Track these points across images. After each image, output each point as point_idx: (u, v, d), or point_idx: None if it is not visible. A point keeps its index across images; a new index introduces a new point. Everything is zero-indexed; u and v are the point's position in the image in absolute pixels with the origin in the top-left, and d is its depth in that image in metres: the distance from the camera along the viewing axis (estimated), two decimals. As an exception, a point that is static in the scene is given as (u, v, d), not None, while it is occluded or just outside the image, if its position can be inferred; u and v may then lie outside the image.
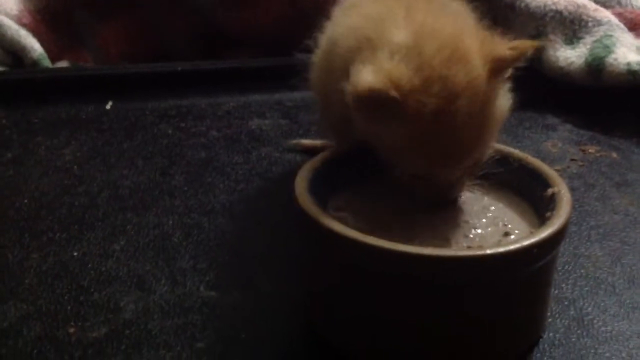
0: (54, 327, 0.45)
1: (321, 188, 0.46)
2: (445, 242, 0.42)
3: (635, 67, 0.70)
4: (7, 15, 0.84)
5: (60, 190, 0.60)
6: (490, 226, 0.44)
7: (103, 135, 0.70)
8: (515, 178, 0.46)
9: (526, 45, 0.42)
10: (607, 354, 0.43)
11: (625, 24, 0.78)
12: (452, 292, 0.39)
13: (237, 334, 0.45)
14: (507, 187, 0.47)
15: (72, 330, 0.44)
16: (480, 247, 0.40)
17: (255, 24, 0.89)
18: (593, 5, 0.78)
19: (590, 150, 0.67)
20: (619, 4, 0.84)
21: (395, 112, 0.40)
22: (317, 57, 0.53)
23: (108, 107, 0.76)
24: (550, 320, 0.45)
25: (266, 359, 0.43)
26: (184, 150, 0.67)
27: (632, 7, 0.84)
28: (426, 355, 0.41)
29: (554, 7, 0.78)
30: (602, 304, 0.47)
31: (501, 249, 0.38)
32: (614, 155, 0.66)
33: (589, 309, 0.46)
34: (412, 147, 0.42)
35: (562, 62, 0.74)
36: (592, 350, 0.43)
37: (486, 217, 0.45)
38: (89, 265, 0.51)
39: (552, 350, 0.43)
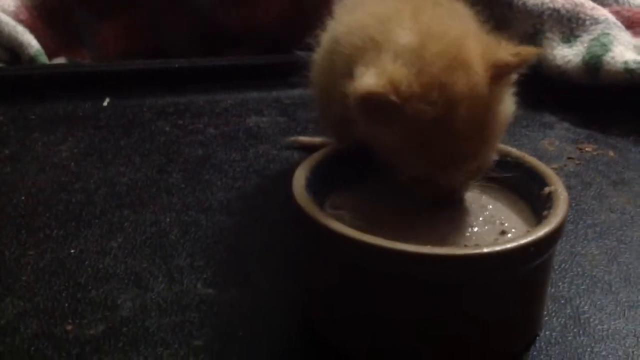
0: (51, 324, 0.45)
1: (319, 186, 0.46)
2: (443, 240, 0.42)
3: (633, 66, 0.70)
4: (4, 11, 0.84)
5: (57, 187, 0.60)
6: (487, 225, 0.44)
7: (100, 132, 0.70)
8: (513, 177, 0.46)
9: (529, 51, 0.42)
10: (604, 353, 0.43)
11: (622, 22, 0.78)
12: (449, 291, 0.39)
13: (234, 331, 0.45)
14: (504, 186, 0.47)
15: (69, 327, 0.45)
16: (477, 246, 0.40)
17: (255, 23, 0.89)
18: (590, 4, 0.78)
19: (587, 149, 0.67)
20: (616, 2, 0.84)
21: (395, 115, 0.40)
22: (318, 55, 0.53)
23: (105, 104, 0.76)
24: (546, 318, 0.45)
25: (264, 357, 0.43)
26: (182, 148, 0.67)
27: (630, 5, 0.84)
28: (423, 353, 0.41)
29: (551, 5, 0.78)
30: (599, 303, 0.47)
31: (498, 248, 0.39)
32: (611, 153, 0.66)
33: (586, 307, 0.47)
34: (411, 151, 0.42)
35: (559, 61, 0.74)
36: (589, 349, 0.43)
37: (483, 216, 0.45)
38: (86, 263, 0.51)
39: (548, 348, 0.43)
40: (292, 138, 0.67)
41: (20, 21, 0.85)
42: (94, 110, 0.75)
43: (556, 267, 0.50)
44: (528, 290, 0.42)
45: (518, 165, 0.47)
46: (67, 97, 0.76)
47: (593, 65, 0.72)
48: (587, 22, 0.76)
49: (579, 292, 0.48)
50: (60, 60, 0.86)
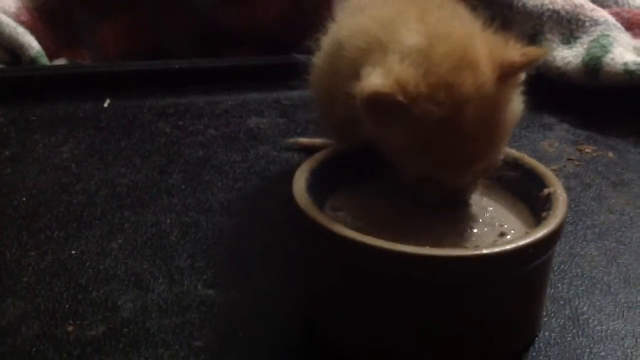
0: (52, 326, 0.45)
1: (319, 187, 0.46)
2: (442, 241, 0.42)
3: (632, 67, 0.70)
4: (5, 12, 0.84)
5: (58, 188, 0.60)
6: (487, 226, 0.44)
7: (101, 133, 0.70)
8: (512, 178, 0.46)
9: (537, 51, 0.42)
10: (602, 353, 0.43)
11: (622, 24, 0.79)
12: (448, 292, 0.39)
13: (234, 332, 0.45)
14: (504, 187, 0.47)
15: (70, 328, 0.45)
16: (476, 247, 0.40)
17: (255, 23, 0.89)
18: (590, 5, 0.78)
19: (586, 150, 0.67)
20: (616, 3, 0.84)
21: (402, 115, 0.40)
22: (319, 59, 0.53)
23: (106, 105, 0.76)
24: (545, 319, 0.45)
25: (264, 358, 0.43)
26: (182, 149, 0.67)
27: (629, 6, 0.84)
28: (423, 354, 0.41)
29: (551, 7, 0.78)
30: (598, 304, 0.47)
31: (497, 249, 0.39)
32: (611, 154, 0.66)
33: (585, 308, 0.47)
34: (418, 151, 0.42)
35: (559, 62, 0.75)
36: (587, 350, 0.43)
37: (483, 217, 0.45)
38: (87, 264, 0.51)
39: (547, 349, 0.43)
40: (292, 139, 0.67)
41: (21, 22, 0.85)
42: (95, 111, 0.75)
43: (555, 268, 0.50)
44: (527, 291, 0.42)
45: (517, 167, 0.47)
46: (67, 98, 0.76)
47: (593, 67, 0.72)
48: (587, 24, 0.76)
49: (578, 293, 0.48)
50: (61, 61, 0.87)
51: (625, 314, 0.46)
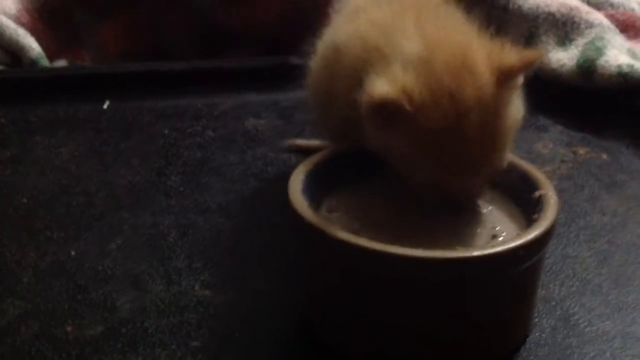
0: (51, 326, 0.46)
1: (315, 189, 0.46)
2: (436, 243, 0.43)
3: (626, 69, 0.71)
4: (5, 14, 0.85)
5: (57, 189, 0.61)
6: (480, 228, 0.45)
7: (100, 135, 0.71)
8: (505, 180, 0.47)
9: (534, 54, 0.43)
10: (592, 354, 0.44)
11: (617, 26, 0.79)
12: (440, 292, 0.40)
13: (232, 333, 0.45)
14: (497, 189, 0.47)
15: (69, 328, 0.45)
16: (467, 249, 0.41)
17: (254, 23, 0.90)
18: (585, 8, 0.79)
19: (580, 152, 0.67)
20: (611, 5, 0.85)
21: (407, 123, 0.41)
22: (315, 62, 0.54)
23: (105, 106, 0.77)
24: (537, 319, 0.46)
25: (261, 359, 0.44)
26: (180, 150, 0.68)
27: (625, 8, 0.85)
28: (417, 354, 0.42)
29: (546, 9, 0.78)
30: (588, 304, 0.48)
31: (488, 251, 0.40)
32: (604, 156, 0.67)
33: (575, 309, 0.47)
34: (422, 158, 0.43)
35: (554, 64, 0.75)
36: (577, 350, 0.44)
37: (476, 219, 0.46)
38: (86, 264, 0.51)
39: (537, 349, 0.44)
40: (290, 141, 0.68)
41: (22, 24, 0.85)
42: (94, 113, 0.75)
43: (547, 269, 0.50)
44: (518, 292, 0.43)
45: (510, 170, 0.47)
46: (67, 99, 0.77)
47: (587, 69, 0.73)
48: (582, 26, 0.77)
49: (569, 294, 0.49)
50: (61, 62, 0.87)
51: (615, 314, 0.47)
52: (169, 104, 0.77)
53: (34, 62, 0.83)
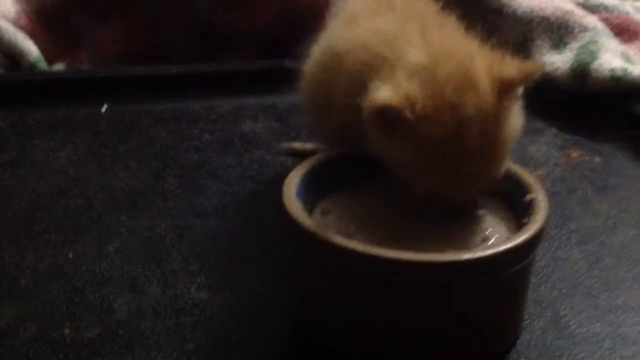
0: (49, 328, 0.46)
1: (310, 192, 0.47)
2: (428, 246, 0.44)
3: (619, 73, 0.72)
4: (4, 17, 0.85)
5: (56, 192, 0.62)
6: (471, 231, 0.45)
7: (99, 138, 0.71)
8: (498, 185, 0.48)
9: (533, 67, 0.44)
10: (582, 355, 0.44)
11: (612, 29, 0.80)
12: (431, 295, 0.41)
13: (227, 335, 0.46)
14: (488, 193, 0.48)
15: (67, 330, 0.46)
16: (458, 252, 0.41)
17: (253, 25, 0.91)
18: (580, 12, 0.79)
19: (573, 155, 0.68)
20: (606, 9, 0.85)
21: (408, 131, 0.42)
22: (310, 67, 0.54)
23: (104, 109, 0.77)
24: (527, 322, 0.47)
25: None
26: (178, 153, 0.68)
27: (619, 12, 0.85)
28: (408, 355, 0.43)
29: (541, 13, 0.79)
30: (578, 306, 0.48)
31: (478, 254, 0.40)
32: (597, 159, 0.67)
33: (566, 311, 0.48)
34: (422, 167, 0.43)
35: (548, 67, 0.76)
36: (567, 351, 0.45)
37: (468, 223, 0.46)
38: (84, 267, 0.52)
39: (528, 351, 0.45)
40: (286, 144, 0.68)
41: (21, 27, 0.86)
42: (93, 116, 0.76)
43: (539, 271, 0.51)
44: (508, 295, 0.44)
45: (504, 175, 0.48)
46: (66, 102, 0.77)
47: (581, 72, 0.73)
48: (576, 30, 0.77)
49: (559, 296, 0.49)
50: (60, 66, 0.88)
51: (604, 316, 0.47)
52: (167, 107, 0.77)
53: (32, 66, 0.84)
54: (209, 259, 0.53)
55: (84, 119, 0.75)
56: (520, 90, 0.45)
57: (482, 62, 0.44)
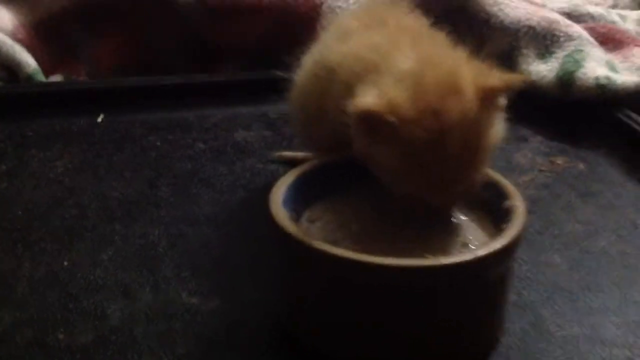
0: (44, 334, 0.47)
1: (296, 200, 0.49)
2: (409, 252, 0.45)
3: (604, 82, 0.73)
4: (2, 30, 0.87)
5: (52, 202, 0.63)
6: (451, 237, 0.47)
7: (94, 148, 0.73)
8: (477, 191, 0.49)
9: (515, 77, 0.45)
10: (561, 356, 0.46)
11: (597, 39, 0.81)
12: (412, 299, 0.42)
13: (218, 340, 0.47)
14: (469, 200, 0.49)
15: (61, 336, 0.47)
16: (438, 257, 0.43)
17: (243, 38, 0.92)
18: (565, 21, 0.81)
19: (558, 162, 0.69)
20: (592, 18, 0.87)
21: (392, 136, 0.43)
22: (302, 78, 0.56)
23: (99, 120, 0.79)
24: (509, 324, 0.48)
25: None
26: (171, 162, 0.70)
27: (605, 21, 0.87)
28: (390, 358, 0.44)
29: (527, 23, 0.81)
30: (559, 309, 0.50)
31: (457, 259, 0.42)
32: (581, 166, 0.69)
33: (546, 314, 0.49)
34: (404, 170, 0.45)
35: (534, 76, 0.77)
36: (547, 353, 0.46)
37: (448, 229, 0.48)
38: (79, 275, 0.53)
39: (509, 352, 0.46)
40: (277, 153, 0.70)
41: (18, 40, 0.87)
42: (89, 127, 0.77)
43: (521, 275, 0.52)
44: (488, 298, 0.45)
45: (482, 181, 0.49)
46: (62, 113, 0.79)
47: (566, 81, 0.75)
48: (562, 39, 0.79)
49: (540, 300, 0.51)
50: (57, 78, 0.89)
51: (583, 319, 0.49)
52: (161, 117, 0.79)
53: (30, 78, 0.85)
54: (200, 266, 0.55)
55: (80, 130, 0.77)
56: (503, 101, 0.46)
57: (468, 71, 0.45)
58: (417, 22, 0.54)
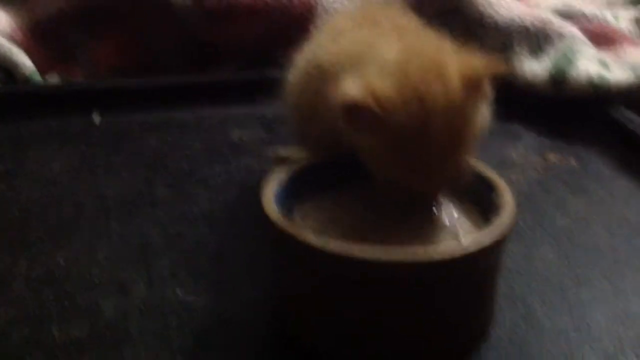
0: (40, 330, 0.48)
1: (288, 196, 0.49)
2: (399, 245, 0.45)
3: (596, 80, 0.74)
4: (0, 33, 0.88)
5: (49, 201, 0.64)
6: (442, 230, 0.47)
7: (91, 148, 0.73)
8: (467, 184, 0.49)
9: (500, 64, 0.45)
10: (549, 346, 0.46)
11: (590, 38, 0.82)
12: (402, 292, 0.43)
13: (213, 336, 0.48)
14: (459, 194, 0.50)
15: (56, 333, 0.48)
16: (428, 250, 0.43)
17: (241, 39, 0.93)
18: (558, 20, 0.82)
19: (551, 158, 0.70)
20: (585, 17, 0.88)
21: (376, 124, 0.44)
22: (295, 77, 0.56)
23: (96, 120, 0.79)
24: (499, 317, 0.48)
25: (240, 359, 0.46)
26: (168, 162, 0.70)
27: (598, 20, 0.88)
28: (382, 350, 0.44)
29: (520, 23, 0.81)
30: (549, 301, 0.50)
31: (447, 252, 0.42)
32: (573, 162, 0.69)
33: (536, 306, 0.50)
34: (389, 157, 0.45)
35: (527, 74, 0.78)
36: (536, 343, 0.46)
37: (440, 222, 0.48)
38: (75, 272, 0.54)
39: (499, 344, 0.46)
40: (273, 151, 0.70)
41: (15, 42, 0.88)
42: (86, 127, 0.78)
43: (512, 268, 0.53)
44: (477, 290, 0.45)
45: (473, 175, 0.50)
46: (60, 114, 0.79)
47: (559, 79, 0.76)
48: (554, 38, 0.80)
49: (531, 292, 0.51)
50: (54, 78, 0.90)
51: (573, 311, 0.49)
52: (158, 117, 0.80)
53: (27, 79, 0.86)
54: (196, 263, 0.55)
55: (77, 130, 0.77)
56: (488, 88, 0.46)
57: (452, 59, 0.45)
58: (411, 22, 0.54)
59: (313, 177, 0.51)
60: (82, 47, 0.94)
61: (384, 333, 0.44)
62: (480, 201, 0.49)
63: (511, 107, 0.76)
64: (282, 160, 0.68)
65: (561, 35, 0.79)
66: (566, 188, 0.65)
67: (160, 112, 0.81)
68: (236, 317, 0.50)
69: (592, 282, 0.52)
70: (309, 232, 0.44)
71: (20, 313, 0.50)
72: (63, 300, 0.51)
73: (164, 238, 0.58)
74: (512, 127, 0.76)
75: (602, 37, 0.83)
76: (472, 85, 0.45)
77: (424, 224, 0.48)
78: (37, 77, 0.87)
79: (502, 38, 0.82)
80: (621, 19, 0.92)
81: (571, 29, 0.80)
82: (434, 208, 0.48)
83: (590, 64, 0.76)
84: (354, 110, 0.44)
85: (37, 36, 0.92)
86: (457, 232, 0.47)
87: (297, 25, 0.88)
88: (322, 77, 0.51)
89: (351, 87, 0.44)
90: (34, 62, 0.88)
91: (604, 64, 0.78)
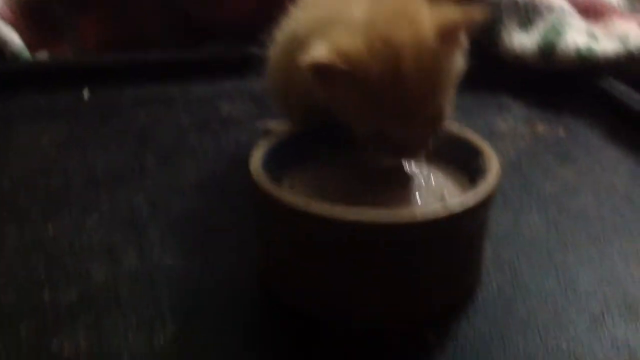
0: (28, 294, 0.48)
1: (276, 163, 0.49)
2: (386, 208, 0.46)
3: (584, 52, 0.74)
4: (-12, 11, 0.88)
5: (38, 172, 0.64)
6: (429, 192, 0.48)
7: (80, 122, 0.74)
8: (452, 148, 0.50)
9: (476, 13, 0.45)
10: (535, 306, 0.47)
11: (579, 11, 0.82)
12: (388, 253, 0.43)
13: (201, 299, 0.48)
14: (446, 158, 0.50)
15: (46, 296, 0.48)
16: (413, 212, 0.43)
17: (230, 16, 0.93)
18: (547, -6, 0.82)
19: (539, 128, 0.70)
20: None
21: (346, 79, 0.44)
22: (274, 52, 0.56)
23: (85, 95, 0.79)
24: (486, 280, 0.49)
25: (227, 325, 0.46)
26: (156, 135, 0.71)
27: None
28: (369, 311, 0.45)
29: (510, -3, 0.81)
30: (536, 265, 0.51)
31: (432, 214, 0.42)
32: (562, 132, 0.70)
33: (524, 270, 0.50)
34: (365, 108, 0.45)
35: (516, 47, 0.78)
36: (522, 303, 0.47)
37: (426, 185, 0.49)
38: (63, 239, 0.54)
39: (486, 307, 0.47)
40: (261, 124, 0.70)
41: (5, 20, 0.88)
42: (74, 102, 0.78)
43: (499, 235, 0.53)
44: (462, 252, 0.46)
45: (459, 140, 0.50)
46: (48, 90, 0.80)
47: (547, 51, 0.76)
48: (543, 10, 0.80)
49: (518, 257, 0.51)
50: (43, 54, 0.90)
51: (559, 274, 0.50)
52: (146, 92, 0.80)
53: (16, 55, 0.86)
54: (185, 231, 0.55)
55: (66, 106, 0.77)
56: (463, 37, 0.46)
57: (426, 11, 0.45)
58: None
59: (300, 148, 0.52)
60: (69, 24, 0.94)
61: (368, 295, 0.44)
62: (466, 166, 0.49)
63: (500, 79, 0.78)
64: (270, 133, 0.69)
65: (550, 8, 0.80)
66: (555, 157, 0.65)
67: (150, 87, 0.81)
68: (224, 281, 0.50)
69: (578, 247, 0.53)
70: (293, 194, 0.44)
71: (9, 279, 0.50)
72: (53, 267, 0.51)
73: (153, 207, 0.58)
74: (501, 99, 0.76)
75: (591, 10, 0.83)
76: (447, 33, 0.45)
77: (410, 189, 0.48)
78: (26, 53, 0.87)
79: (491, 13, 0.82)
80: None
81: (560, 2, 0.81)
82: (420, 172, 0.49)
83: (578, 36, 0.76)
84: (322, 71, 0.44)
85: (26, 14, 0.91)
86: (443, 194, 0.47)
87: (288, 2, 0.88)
88: (298, 46, 0.51)
89: (317, 49, 0.44)
90: (23, 40, 0.87)
91: (593, 36, 0.78)
